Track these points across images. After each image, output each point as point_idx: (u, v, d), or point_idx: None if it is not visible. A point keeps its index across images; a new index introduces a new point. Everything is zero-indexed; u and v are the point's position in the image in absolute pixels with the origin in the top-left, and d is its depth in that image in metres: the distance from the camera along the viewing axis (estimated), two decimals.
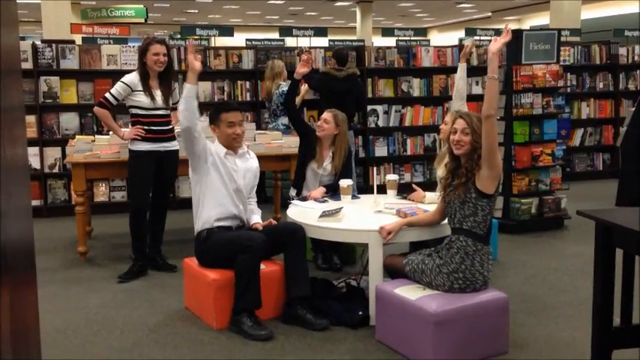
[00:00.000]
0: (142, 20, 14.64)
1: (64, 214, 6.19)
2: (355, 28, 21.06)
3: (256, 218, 3.84)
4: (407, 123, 7.44)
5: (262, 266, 3.47)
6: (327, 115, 4.44)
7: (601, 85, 8.23)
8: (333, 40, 9.51)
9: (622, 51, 8.25)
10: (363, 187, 6.77)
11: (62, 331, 3.47)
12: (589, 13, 14.83)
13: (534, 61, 5.46)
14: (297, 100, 6.19)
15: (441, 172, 4.04)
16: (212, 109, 3.86)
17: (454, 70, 7.56)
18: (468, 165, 3.09)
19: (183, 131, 3.61)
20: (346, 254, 4.57)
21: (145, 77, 4.29)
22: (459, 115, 3.18)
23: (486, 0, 19.37)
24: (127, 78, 4.32)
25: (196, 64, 3.65)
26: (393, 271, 3.39)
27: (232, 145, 3.72)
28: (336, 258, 4.49)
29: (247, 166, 3.81)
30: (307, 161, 4.49)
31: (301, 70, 4.46)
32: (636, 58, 8.22)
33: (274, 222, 3.86)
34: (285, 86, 6.30)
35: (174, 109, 4.53)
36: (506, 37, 3.08)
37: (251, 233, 3.62)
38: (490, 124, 2.95)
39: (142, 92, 4.28)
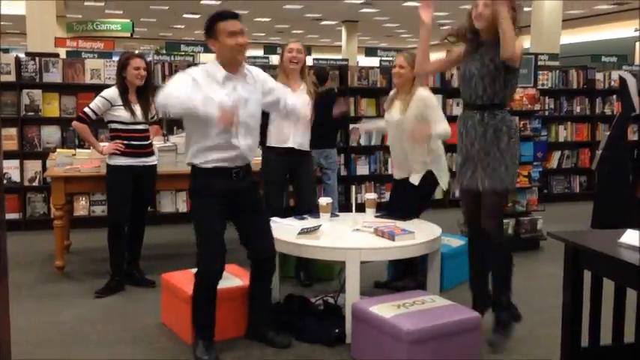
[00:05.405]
0: (128, 34, 14.67)
1: (42, 228, 6.14)
2: (341, 46, 21.28)
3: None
4: (388, 142, 7.51)
5: (231, 277, 3.48)
6: (295, 44, 4.54)
7: (578, 109, 8.41)
8: (318, 59, 9.62)
9: (599, 76, 8.45)
10: (345, 205, 6.82)
11: (37, 345, 3.45)
12: (568, 38, 15.15)
13: None
14: None
15: (388, 116, 4.51)
16: (206, 22, 3.20)
17: (434, 91, 7.71)
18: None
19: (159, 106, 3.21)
20: (320, 272, 4.57)
21: (124, 92, 4.32)
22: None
23: None
24: (106, 92, 4.34)
25: None
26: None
27: (236, 58, 3.20)
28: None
29: (250, 90, 3.30)
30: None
31: None
32: (612, 83, 8.40)
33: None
34: None
35: (153, 123, 4.58)
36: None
37: (218, 250, 3.22)
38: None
39: (121, 107, 4.30)
